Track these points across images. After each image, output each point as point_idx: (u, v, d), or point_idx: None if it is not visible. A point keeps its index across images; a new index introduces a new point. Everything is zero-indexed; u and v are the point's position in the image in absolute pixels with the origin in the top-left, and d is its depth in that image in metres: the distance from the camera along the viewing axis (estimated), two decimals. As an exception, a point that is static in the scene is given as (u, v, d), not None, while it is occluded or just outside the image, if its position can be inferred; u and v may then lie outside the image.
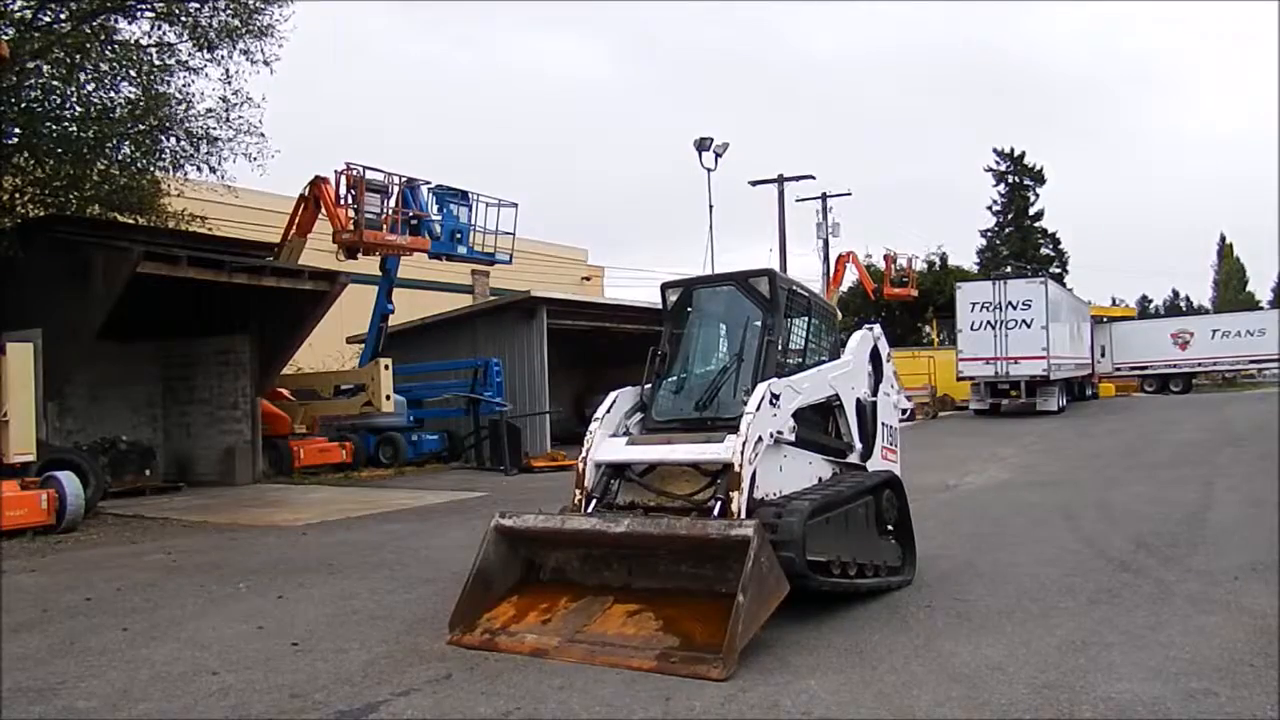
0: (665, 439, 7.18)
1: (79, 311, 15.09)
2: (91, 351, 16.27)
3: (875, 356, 8.66)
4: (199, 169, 17.72)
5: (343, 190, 18.49)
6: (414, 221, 19.43)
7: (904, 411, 31.47)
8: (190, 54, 17.34)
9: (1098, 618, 6.58)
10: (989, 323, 30.57)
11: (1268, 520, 9.93)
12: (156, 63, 17.10)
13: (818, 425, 7.78)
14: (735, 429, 6.61)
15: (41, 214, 16.73)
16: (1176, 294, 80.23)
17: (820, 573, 6.51)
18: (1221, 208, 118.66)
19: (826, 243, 38.23)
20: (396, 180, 19.13)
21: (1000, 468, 17.10)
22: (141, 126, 16.73)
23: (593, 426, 7.39)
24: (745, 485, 6.38)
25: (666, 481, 7.09)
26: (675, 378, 7.73)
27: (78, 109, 16.52)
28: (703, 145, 32.41)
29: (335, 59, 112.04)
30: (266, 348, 18.65)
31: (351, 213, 18.37)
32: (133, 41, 17.00)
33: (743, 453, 6.42)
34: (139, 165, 17.23)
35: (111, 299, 14.94)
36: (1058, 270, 54.66)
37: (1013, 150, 58.77)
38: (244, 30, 17.18)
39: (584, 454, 7.21)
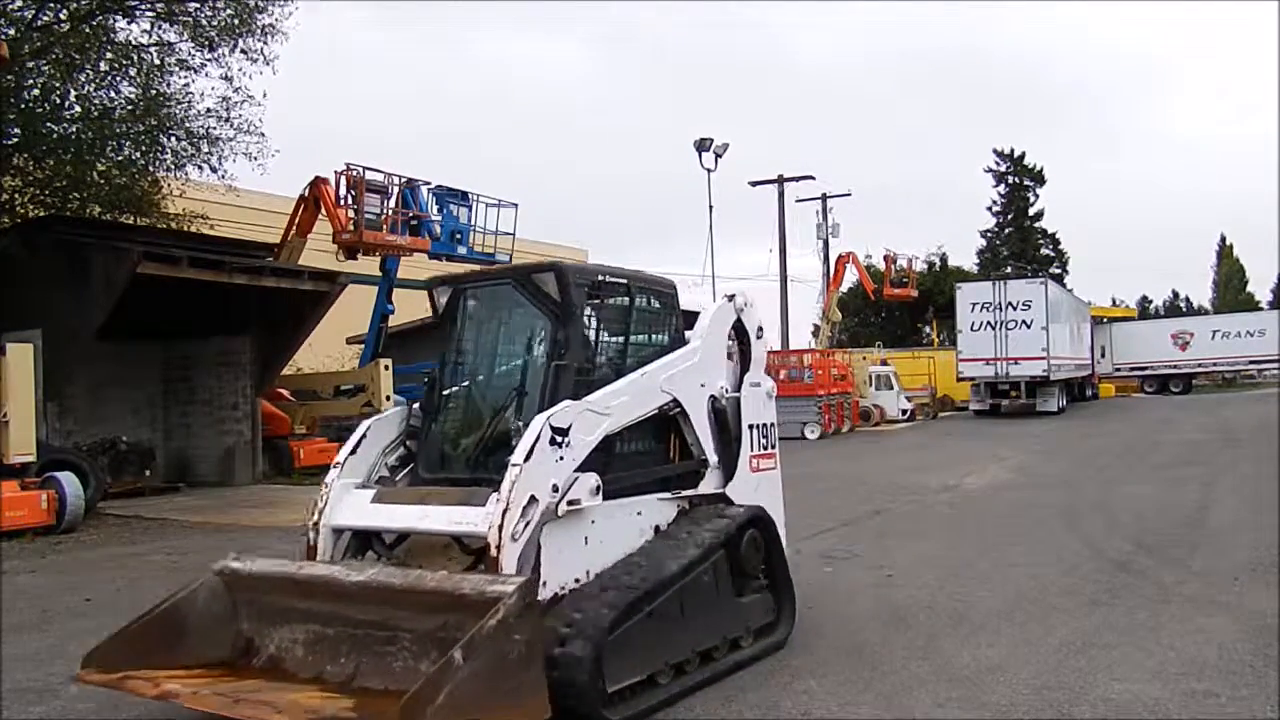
0: (420, 496, 5.38)
1: (79, 311, 15.10)
2: (91, 351, 16.27)
3: (741, 335, 6.53)
4: (200, 168, 17.79)
5: (343, 191, 18.51)
6: (414, 222, 19.44)
7: (904, 412, 31.22)
8: (190, 54, 17.40)
9: (1098, 619, 6.58)
10: (989, 323, 30.59)
11: (1267, 521, 9.93)
12: (156, 62, 17.15)
13: (653, 447, 5.91)
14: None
15: (41, 214, 16.77)
16: (1176, 294, 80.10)
17: (639, 691, 4.90)
18: (1221, 208, 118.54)
19: (826, 243, 38.24)
20: (396, 181, 19.14)
21: (1000, 468, 17.10)
22: (141, 127, 16.77)
23: (330, 475, 5.60)
24: (509, 572, 4.57)
25: (424, 558, 5.36)
26: (446, 414, 5.93)
27: (77, 109, 16.57)
28: (703, 145, 32.47)
29: (334, 60, 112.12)
30: (266, 348, 18.64)
31: (351, 213, 18.39)
32: (132, 41, 17.05)
33: (502, 524, 4.62)
34: (139, 165, 17.27)
35: (111, 299, 14.95)
36: (1058, 270, 54.69)
37: (1013, 151, 58.89)
38: (244, 30, 17.22)
39: (314, 515, 5.48)
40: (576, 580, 4.97)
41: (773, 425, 6.68)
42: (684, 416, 5.94)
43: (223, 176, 17.97)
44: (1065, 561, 8.53)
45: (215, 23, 17.19)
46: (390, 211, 18.94)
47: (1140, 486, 13.54)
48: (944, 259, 53.56)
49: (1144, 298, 76.46)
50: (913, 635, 6.30)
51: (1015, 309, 30.28)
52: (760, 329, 6.65)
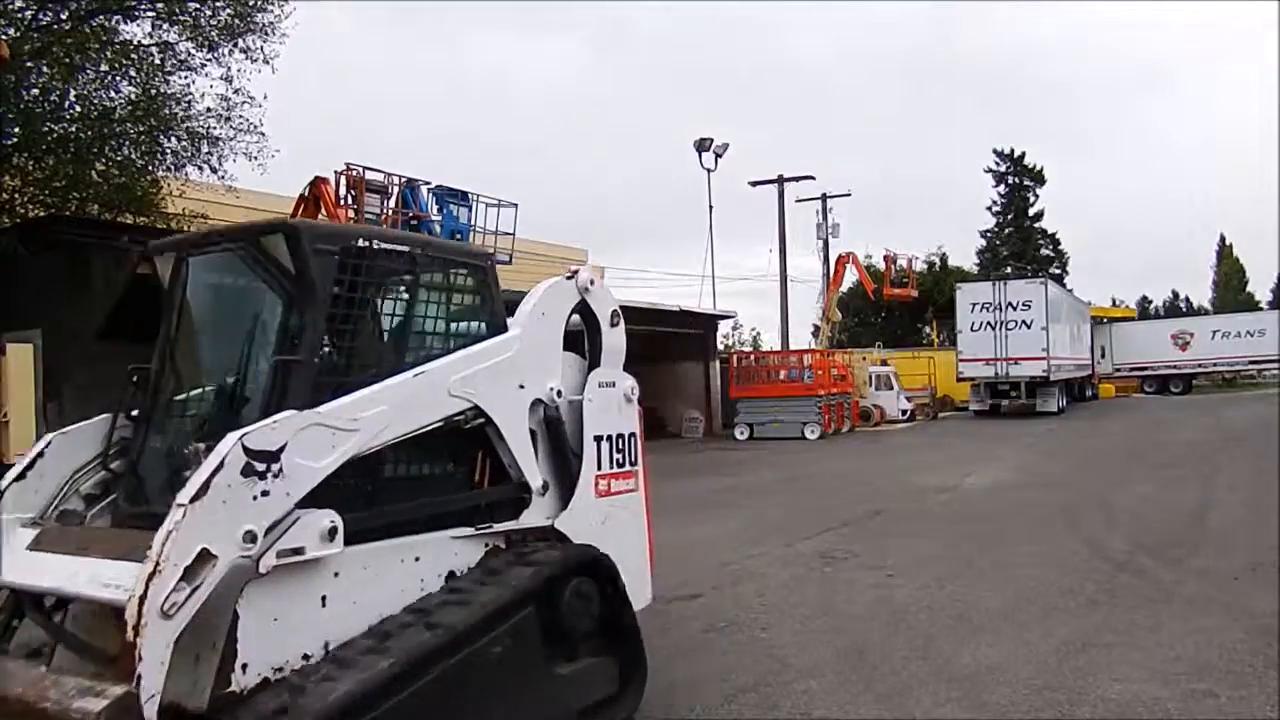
0: (81, 543, 3.92)
1: (79, 311, 15.11)
2: (91, 352, 16.21)
3: (589, 322, 5.15)
4: (200, 169, 17.78)
5: (343, 190, 18.51)
6: (414, 222, 19.45)
7: (904, 412, 31.05)
8: (190, 54, 17.40)
9: (1097, 619, 6.59)
10: (989, 323, 30.61)
11: (1267, 521, 9.93)
12: (156, 62, 17.15)
13: (448, 470, 4.57)
14: None
15: (41, 214, 16.77)
16: (1176, 295, 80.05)
17: None
18: (1221, 208, 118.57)
19: (826, 243, 38.23)
20: (396, 180, 19.15)
21: (1000, 468, 17.09)
22: (141, 127, 16.77)
23: None
24: (154, 663, 3.17)
25: (95, 627, 3.82)
26: (162, 425, 4.45)
27: (77, 109, 16.57)
28: (703, 145, 32.52)
29: (335, 61, 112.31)
30: (267, 348, 18.64)
31: (351, 213, 18.39)
32: (133, 41, 17.05)
33: (145, 594, 3.18)
34: (139, 165, 17.27)
35: (111, 299, 14.93)
36: (1058, 271, 54.72)
37: (1013, 151, 58.93)
38: (244, 28, 17.23)
39: None
40: (306, 657, 3.68)
41: (633, 435, 5.19)
42: (492, 428, 4.52)
43: (223, 177, 17.95)
44: (1065, 562, 8.53)
45: (215, 22, 17.19)
46: (390, 211, 18.95)
47: (1140, 486, 13.54)
48: (944, 259, 53.71)
49: (1144, 298, 76.42)
50: (913, 635, 6.31)
51: (1015, 309, 30.30)
52: (615, 314, 5.22)
